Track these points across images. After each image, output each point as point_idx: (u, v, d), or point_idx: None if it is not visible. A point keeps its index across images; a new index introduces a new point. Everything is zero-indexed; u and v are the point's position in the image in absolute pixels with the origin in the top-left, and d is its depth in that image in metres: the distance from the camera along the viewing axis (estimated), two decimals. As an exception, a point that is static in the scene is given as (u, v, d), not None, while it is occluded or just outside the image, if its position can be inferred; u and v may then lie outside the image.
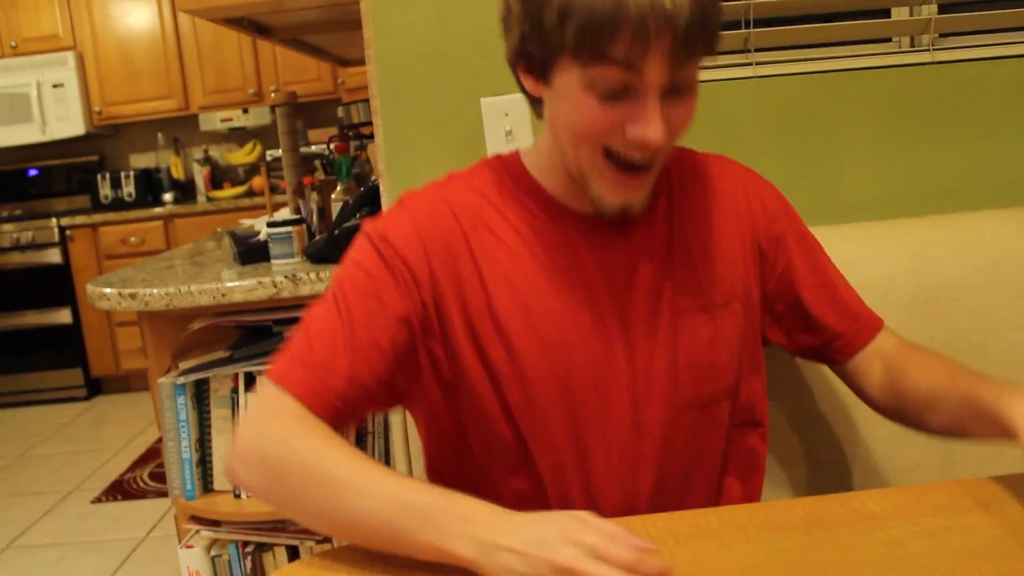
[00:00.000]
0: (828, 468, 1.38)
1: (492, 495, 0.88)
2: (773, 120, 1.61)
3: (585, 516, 0.82)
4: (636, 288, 1.04)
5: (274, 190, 3.70)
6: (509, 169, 1.08)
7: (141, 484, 3.64)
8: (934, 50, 1.64)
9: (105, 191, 5.22)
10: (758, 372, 1.15)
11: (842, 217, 1.57)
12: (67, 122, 5.07)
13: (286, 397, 0.96)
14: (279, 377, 0.98)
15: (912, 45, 1.68)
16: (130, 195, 5.20)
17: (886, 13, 1.72)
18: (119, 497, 3.53)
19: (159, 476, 3.64)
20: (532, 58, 0.95)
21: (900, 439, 1.36)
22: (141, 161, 5.50)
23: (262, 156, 5.13)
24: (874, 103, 1.61)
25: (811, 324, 1.16)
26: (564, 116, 0.96)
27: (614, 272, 1.04)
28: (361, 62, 1.97)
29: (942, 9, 1.66)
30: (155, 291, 1.83)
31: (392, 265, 1.00)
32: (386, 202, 1.57)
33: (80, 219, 4.92)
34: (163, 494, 3.41)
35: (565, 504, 1.03)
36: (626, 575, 0.76)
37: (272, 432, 0.94)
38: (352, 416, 1.00)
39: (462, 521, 0.83)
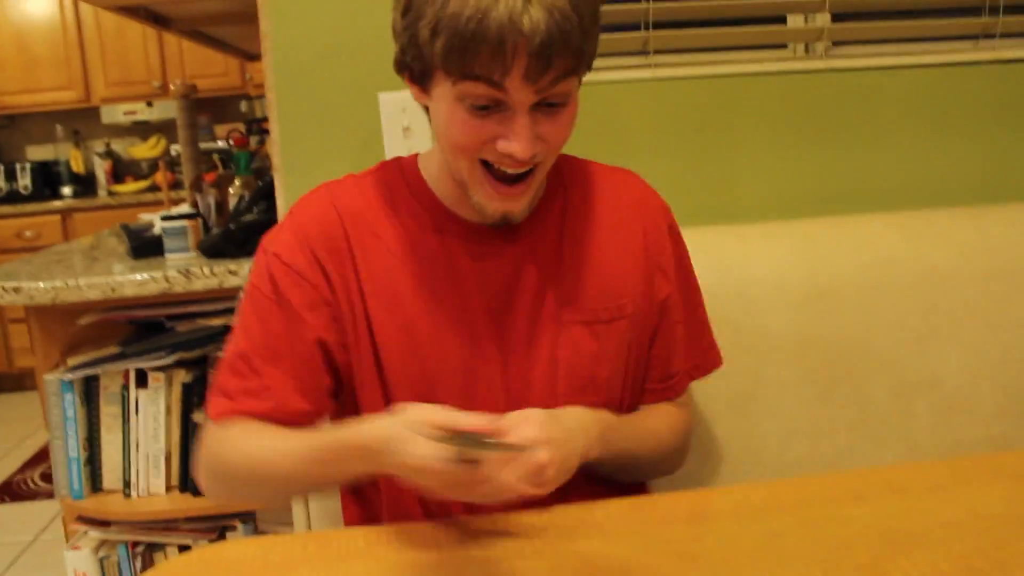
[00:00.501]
0: (715, 463, 1.40)
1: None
2: (670, 121, 1.62)
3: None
4: (517, 296, 1.04)
5: (179, 185, 3.63)
6: (404, 174, 1.09)
7: (32, 485, 3.51)
8: (827, 57, 1.69)
9: (-2, 183, 5.02)
10: (644, 387, 1.15)
11: (735, 217, 1.60)
12: (-43, 111, 4.87)
13: (224, 422, 1.01)
14: (217, 413, 1.02)
15: (806, 52, 1.73)
16: (26, 188, 5.00)
17: (782, 20, 1.76)
18: (7, 499, 3.40)
19: (52, 477, 3.51)
20: (412, 70, 0.97)
21: (788, 435, 1.39)
22: (38, 153, 5.30)
23: (166, 150, 5.00)
24: (769, 107, 1.65)
25: (666, 355, 1.14)
26: (441, 126, 0.97)
27: (493, 282, 1.04)
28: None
29: (836, 19, 1.71)
30: (41, 285, 1.76)
31: (291, 283, 1.02)
32: (281, 198, 1.54)
33: (-29, 212, 4.73)
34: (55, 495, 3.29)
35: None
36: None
37: (211, 448, 1.02)
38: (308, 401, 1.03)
39: (362, 453, 0.90)
